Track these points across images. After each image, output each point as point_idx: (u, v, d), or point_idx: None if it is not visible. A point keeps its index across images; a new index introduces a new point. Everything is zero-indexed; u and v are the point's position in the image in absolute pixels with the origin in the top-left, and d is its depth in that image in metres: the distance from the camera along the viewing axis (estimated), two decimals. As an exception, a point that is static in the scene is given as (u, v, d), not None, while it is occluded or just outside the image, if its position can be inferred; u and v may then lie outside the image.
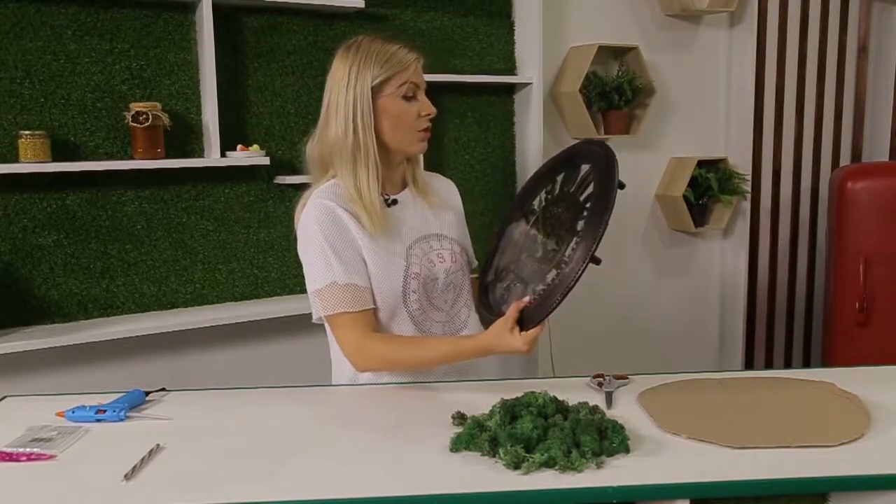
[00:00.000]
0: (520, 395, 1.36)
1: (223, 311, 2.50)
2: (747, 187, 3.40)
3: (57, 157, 2.24)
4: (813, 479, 1.15)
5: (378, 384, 1.63)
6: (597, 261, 1.42)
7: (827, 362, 3.29)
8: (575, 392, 1.49)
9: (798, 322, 3.69)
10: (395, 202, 1.66)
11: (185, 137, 2.46)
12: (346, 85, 1.58)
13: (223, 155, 2.44)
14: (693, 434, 1.29)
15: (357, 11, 2.61)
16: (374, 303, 1.59)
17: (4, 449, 1.29)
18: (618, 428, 1.25)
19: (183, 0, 2.38)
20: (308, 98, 2.61)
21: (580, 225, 1.47)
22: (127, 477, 1.18)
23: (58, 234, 2.33)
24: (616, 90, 3.06)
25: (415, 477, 1.17)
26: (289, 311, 2.52)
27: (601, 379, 1.58)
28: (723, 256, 3.61)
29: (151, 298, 2.47)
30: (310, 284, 1.59)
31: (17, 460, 1.26)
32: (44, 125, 2.27)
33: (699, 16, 3.34)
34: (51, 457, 1.27)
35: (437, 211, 1.72)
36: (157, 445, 1.30)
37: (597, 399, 1.46)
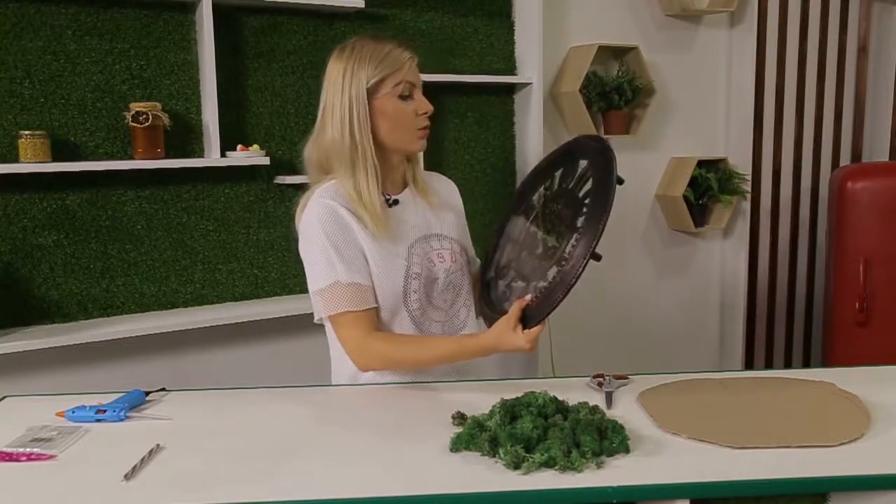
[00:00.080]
0: (520, 395, 1.36)
1: (223, 311, 2.50)
2: (747, 187, 3.40)
3: (57, 157, 2.24)
4: (813, 479, 1.15)
5: (378, 384, 1.63)
6: (597, 257, 1.42)
7: (827, 362, 3.29)
8: (575, 392, 1.49)
9: (798, 322, 3.69)
10: (396, 202, 1.66)
11: (185, 137, 2.46)
12: (340, 88, 1.58)
13: (223, 155, 2.44)
14: (693, 434, 1.29)
15: (357, 11, 2.61)
16: (377, 302, 1.59)
17: (4, 449, 1.29)
18: (618, 428, 1.25)
19: (183, 0, 2.38)
20: (308, 98, 2.61)
21: (580, 221, 1.47)
22: (127, 477, 1.18)
23: (58, 234, 2.33)
24: (616, 90, 3.06)
25: (415, 477, 1.17)
26: (289, 311, 2.52)
27: (601, 379, 1.58)
28: (723, 256, 3.61)
29: (151, 298, 2.47)
30: (312, 284, 1.59)
31: (17, 460, 1.26)
32: (44, 125, 2.27)
33: (699, 16, 3.34)
34: (51, 457, 1.27)
35: (438, 211, 1.72)
36: (157, 445, 1.30)
37: (597, 399, 1.46)
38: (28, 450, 1.28)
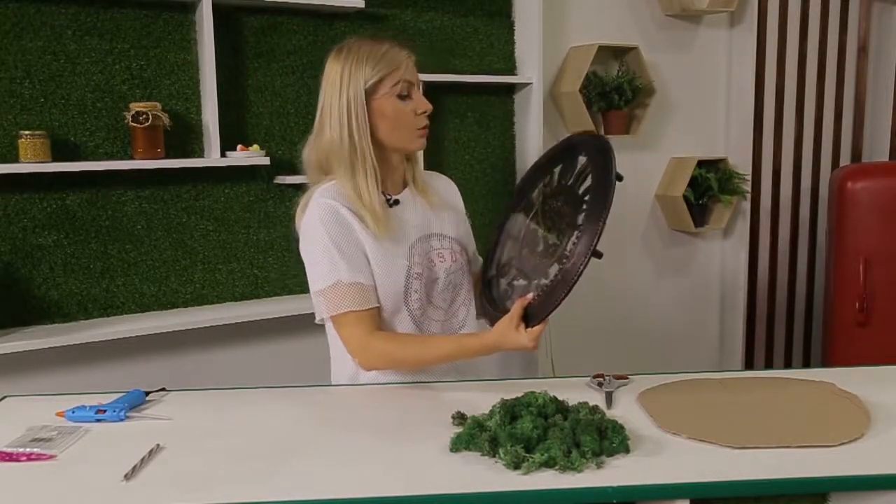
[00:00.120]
0: (520, 395, 1.36)
1: (223, 311, 2.50)
2: (747, 187, 3.40)
3: (57, 157, 2.24)
4: (813, 479, 1.15)
5: (378, 384, 1.63)
6: (598, 255, 1.42)
7: (827, 362, 3.29)
8: (575, 392, 1.49)
9: (798, 322, 3.69)
10: (396, 202, 1.66)
11: (185, 137, 2.46)
12: (338, 89, 1.58)
13: (223, 155, 2.44)
14: (693, 434, 1.28)
15: (357, 11, 2.61)
16: (378, 301, 1.59)
17: (4, 449, 1.29)
18: (618, 428, 1.25)
19: (183, 0, 2.38)
20: (308, 98, 2.61)
21: (580, 219, 1.47)
22: (127, 477, 1.18)
23: (58, 234, 2.33)
24: (616, 90, 3.06)
25: (415, 477, 1.17)
26: (289, 311, 2.52)
27: (601, 379, 1.58)
28: (723, 256, 3.61)
29: (151, 298, 2.47)
30: (314, 284, 1.59)
31: (17, 460, 1.26)
32: (44, 125, 2.27)
33: (699, 16, 3.34)
34: (51, 457, 1.27)
35: (438, 210, 1.72)
36: (157, 445, 1.30)
37: (597, 399, 1.46)
38: (28, 450, 1.28)
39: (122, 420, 1.43)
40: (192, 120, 2.46)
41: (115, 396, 1.52)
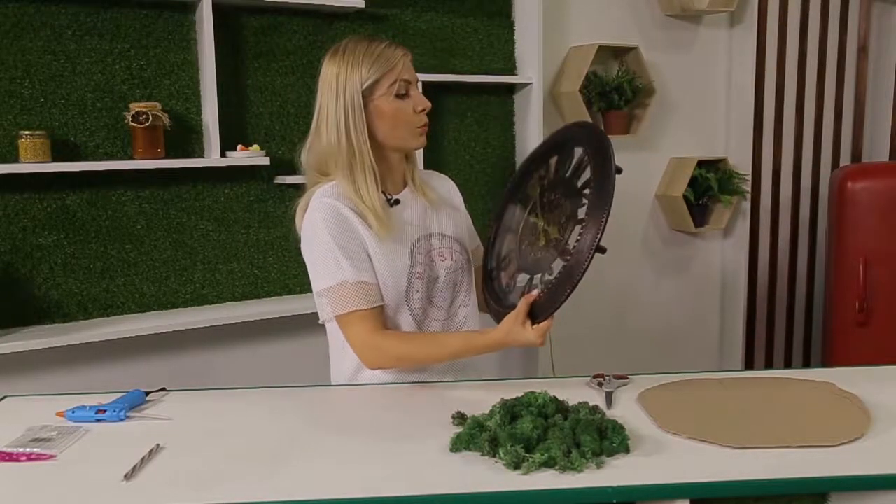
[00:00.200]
0: (520, 395, 1.36)
1: (223, 311, 2.50)
2: (747, 187, 3.41)
3: (57, 157, 2.24)
4: (813, 479, 1.15)
5: (378, 384, 1.63)
6: (602, 250, 1.42)
7: (827, 362, 3.30)
8: (575, 392, 1.49)
9: (798, 322, 3.69)
10: (397, 202, 1.66)
11: (185, 137, 2.46)
12: (335, 92, 1.57)
13: (223, 155, 2.44)
14: (693, 434, 1.28)
15: (357, 11, 2.61)
16: (383, 300, 1.59)
17: (4, 449, 1.29)
18: (618, 428, 1.25)
19: (183, 0, 2.38)
20: (308, 98, 2.61)
21: (581, 213, 1.47)
22: (127, 477, 1.18)
23: (58, 234, 2.33)
24: (616, 90, 3.06)
25: (415, 477, 1.17)
26: (289, 311, 2.52)
27: (601, 379, 1.58)
28: (723, 256, 3.61)
29: (151, 298, 2.47)
30: (318, 284, 1.58)
31: (17, 460, 1.26)
32: (44, 125, 2.27)
33: (699, 16, 3.34)
34: (51, 457, 1.27)
35: (437, 209, 1.72)
36: (157, 445, 1.30)
37: (597, 399, 1.46)
38: (28, 450, 1.28)
39: (122, 420, 1.43)
40: (192, 120, 2.46)
41: (115, 396, 1.52)
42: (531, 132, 2.93)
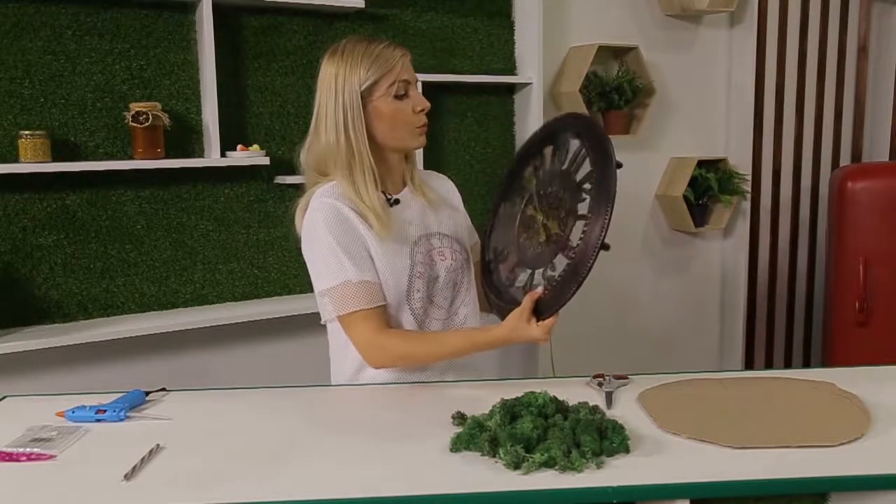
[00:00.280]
0: (520, 395, 1.36)
1: (223, 311, 2.50)
2: (747, 187, 3.41)
3: (57, 157, 2.24)
4: (813, 479, 1.15)
5: (378, 384, 1.63)
6: (607, 247, 1.42)
7: (827, 362, 3.30)
8: (575, 392, 1.49)
9: (798, 322, 3.69)
10: (397, 202, 1.66)
11: (185, 137, 2.46)
12: (333, 93, 1.57)
13: (223, 155, 2.44)
14: (693, 434, 1.28)
15: (357, 11, 2.61)
16: (385, 299, 1.59)
17: (4, 449, 1.29)
18: (618, 428, 1.25)
19: (183, 0, 2.38)
20: (308, 98, 2.61)
21: (581, 208, 1.47)
22: (127, 477, 1.18)
23: (58, 234, 2.33)
24: (616, 90, 3.06)
25: (415, 477, 1.17)
26: (289, 311, 2.52)
27: (601, 379, 1.58)
28: (723, 256, 3.61)
29: (151, 298, 2.47)
30: (319, 284, 1.58)
31: (17, 460, 1.26)
32: (44, 125, 2.27)
33: (699, 16, 3.34)
34: (51, 457, 1.27)
35: (436, 209, 1.72)
36: (157, 445, 1.30)
37: (597, 399, 1.46)
38: (28, 450, 1.28)
39: (122, 420, 1.43)
40: (192, 120, 2.46)
41: (115, 396, 1.52)
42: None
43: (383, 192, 1.64)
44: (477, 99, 2.93)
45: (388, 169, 1.66)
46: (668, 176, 3.38)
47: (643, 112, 3.16)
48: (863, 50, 3.53)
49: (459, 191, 1.84)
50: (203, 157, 2.47)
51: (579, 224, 1.47)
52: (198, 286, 2.54)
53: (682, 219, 3.31)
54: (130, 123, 2.29)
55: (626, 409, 1.43)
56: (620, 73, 3.14)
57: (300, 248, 1.63)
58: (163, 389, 1.59)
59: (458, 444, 1.25)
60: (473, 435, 1.25)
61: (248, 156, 2.45)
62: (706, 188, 3.30)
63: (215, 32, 2.37)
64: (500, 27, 2.94)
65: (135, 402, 1.50)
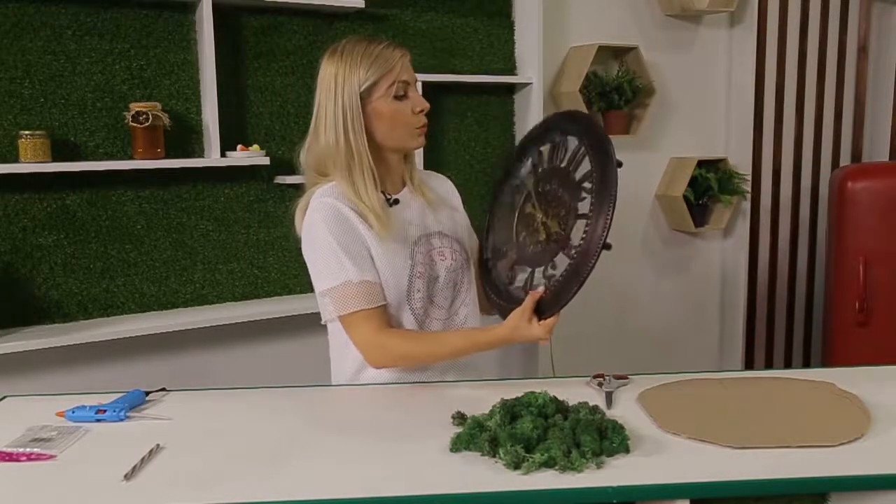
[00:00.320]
0: (520, 395, 1.36)
1: (223, 311, 2.50)
2: (747, 187, 3.41)
3: (57, 157, 2.24)
4: (813, 479, 1.15)
5: (378, 384, 1.63)
6: (608, 247, 1.43)
7: (827, 362, 3.29)
8: (575, 392, 1.49)
9: (798, 322, 3.69)
10: (396, 202, 1.66)
11: (185, 137, 2.46)
12: (333, 93, 1.57)
13: (223, 155, 2.44)
14: (693, 434, 1.28)
15: (357, 11, 2.61)
16: (385, 299, 1.59)
17: (4, 449, 1.29)
18: (618, 428, 1.25)
19: (183, 0, 2.38)
20: (308, 98, 2.60)
21: (581, 207, 1.47)
22: (127, 477, 1.18)
23: (58, 234, 2.33)
24: (616, 90, 3.06)
25: (415, 477, 1.17)
26: (289, 311, 2.52)
27: (601, 379, 1.58)
28: (723, 256, 3.61)
29: (151, 298, 2.47)
30: (320, 284, 1.58)
31: (17, 460, 1.26)
32: (44, 125, 2.27)
33: (699, 16, 3.34)
34: (51, 457, 1.27)
35: (436, 209, 1.72)
36: (157, 445, 1.30)
37: (597, 399, 1.46)
38: (28, 450, 1.28)
39: (122, 420, 1.43)
40: (192, 120, 2.46)
41: (115, 396, 1.51)
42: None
43: (383, 193, 1.64)
44: (477, 99, 2.93)
45: (387, 169, 1.66)
46: (668, 176, 3.38)
47: (643, 112, 3.16)
48: (863, 50, 3.53)
49: (459, 191, 1.84)
50: (203, 157, 2.47)
51: (580, 223, 1.47)
52: (198, 286, 2.54)
53: (682, 219, 3.31)
54: (130, 123, 2.29)
55: (626, 409, 1.43)
56: (620, 73, 3.14)
57: (300, 249, 1.63)
58: (163, 389, 1.59)
59: (458, 444, 1.25)
60: (473, 435, 1.25)
61: (248, 156, 2.45)
62: (706, 188, 3.30)
63: (215, 32, 2.37)
64: (500, 27, 2.94)
65: (135, 402, 1.50)
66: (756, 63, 3.39)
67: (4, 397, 1.60)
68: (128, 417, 1.44)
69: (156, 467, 1.22)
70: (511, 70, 2.97)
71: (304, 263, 1.62)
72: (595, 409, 1.35)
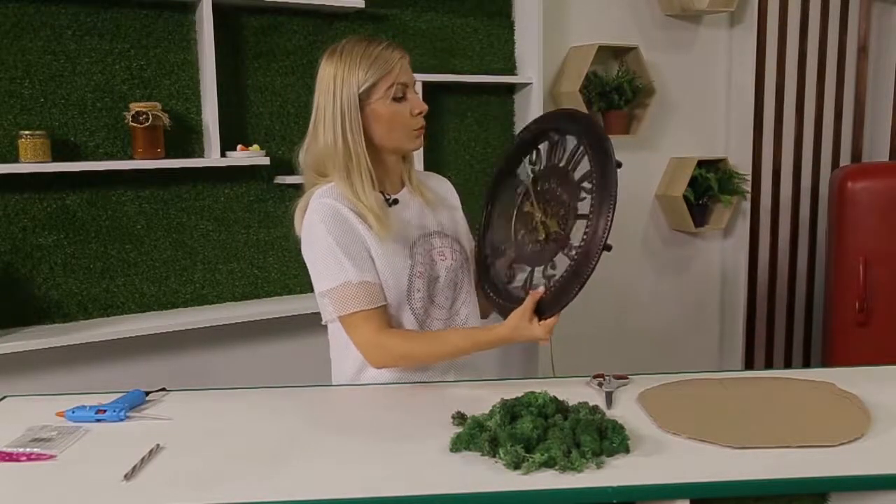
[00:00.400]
0: (520, 395, 1.36)
1: (223, 311, 2.50)
2: (747, 187, 3.41)
3: (57, 157, 2.24)
4: (813, 479, 1.15)
5: (378, 384, 1.63)
6: (609, 248, 1.43)
7: (827, 362, 3.30)
8: (575, 392, 1.49)
9: (798, 322, 3.69)
10: (396, 202, 1.66)
11: (185, 137, 2.46)
12: (332, 94, 1.57)
13: (223, 155, 2.44)
14: (693, 434, 1.28)
15: (357, 11, 2.61)
16: (385, 299, 1.59)
17: (4, 449, 1.29)
18: (618, 428, 1.25)
19: (183, 0, 2.38)
20: (308, 98, 2.59)
21: (581, 207, 1.47)
22: (127, 477, 1.18)
23: (58, 234, 2.33)
24: (616, 90, 3.06)
25: (415, 477, 1.17)
26: (289, 311, 2.52)
27: (601, 379, 1.58)
28: (723, 256, 3.61)
29: (151, 298, 2.47)
30: (320, 285, 1.58)
31: (17, 460, 1.26)
32: (44, 125, 2.27)
33: (699, 16, 3.34)
34: (51, 457, 1.27)
35: (435, 209, 1.72)
36: (157, 445, 1.30)
37: (597, 399, 1.46)
38: (28, 450, 1.28)
39: (122, 420, 1.43)
40: (192, 120, 2.46)
41: (115, 396, 1.52)
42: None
43: (382, 193, 1.64)
44: (477, 99, 2.93)
45: (385, 170, 1.66)
46: (668, 176, 3.38)
47: (643, 112, 3.16)
48: (863, 50, 3.53)
49: (458, 191, 1.84)
50: (203, 157, 2.47)
51: (579, 223, 1.47)
52: (198, 286, 2.54)
53: (682, 219, 3.31)
54: (130, 123, 2.29)
55: (626, 409, 1.43)
56: (620, 73, 3.14)
57: (300, 249, 1.63)
58: (163, 389, 1.59)
59: (458, 444, 1.25)
60: (473, 435, 1.25)
61: (248, 156, 2.45)
62: (706, 188, 3.30)
63: (215, 32, 2.37)
64: (500, 27, 2.94)
65: (135, 402, 1.50)
66: (756, 63, 3.39)
67: (4, 397, 1.60)
68: (128, 417, 1.44)
69: (156, 467, 1.22)
70: (511, 70, 2.97)
71: (304, 263, 1.62)
72: (595, 409, 1.35)
